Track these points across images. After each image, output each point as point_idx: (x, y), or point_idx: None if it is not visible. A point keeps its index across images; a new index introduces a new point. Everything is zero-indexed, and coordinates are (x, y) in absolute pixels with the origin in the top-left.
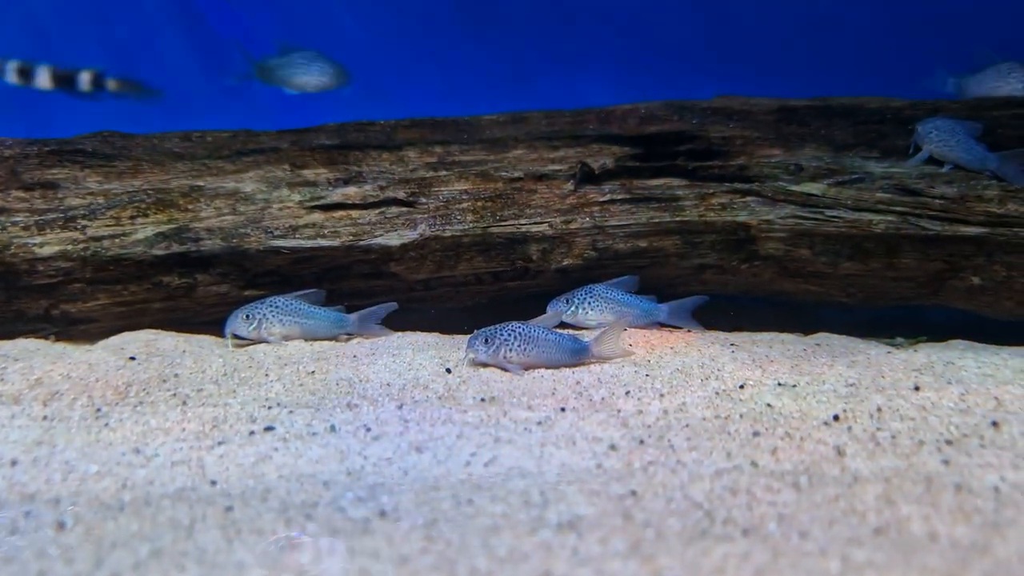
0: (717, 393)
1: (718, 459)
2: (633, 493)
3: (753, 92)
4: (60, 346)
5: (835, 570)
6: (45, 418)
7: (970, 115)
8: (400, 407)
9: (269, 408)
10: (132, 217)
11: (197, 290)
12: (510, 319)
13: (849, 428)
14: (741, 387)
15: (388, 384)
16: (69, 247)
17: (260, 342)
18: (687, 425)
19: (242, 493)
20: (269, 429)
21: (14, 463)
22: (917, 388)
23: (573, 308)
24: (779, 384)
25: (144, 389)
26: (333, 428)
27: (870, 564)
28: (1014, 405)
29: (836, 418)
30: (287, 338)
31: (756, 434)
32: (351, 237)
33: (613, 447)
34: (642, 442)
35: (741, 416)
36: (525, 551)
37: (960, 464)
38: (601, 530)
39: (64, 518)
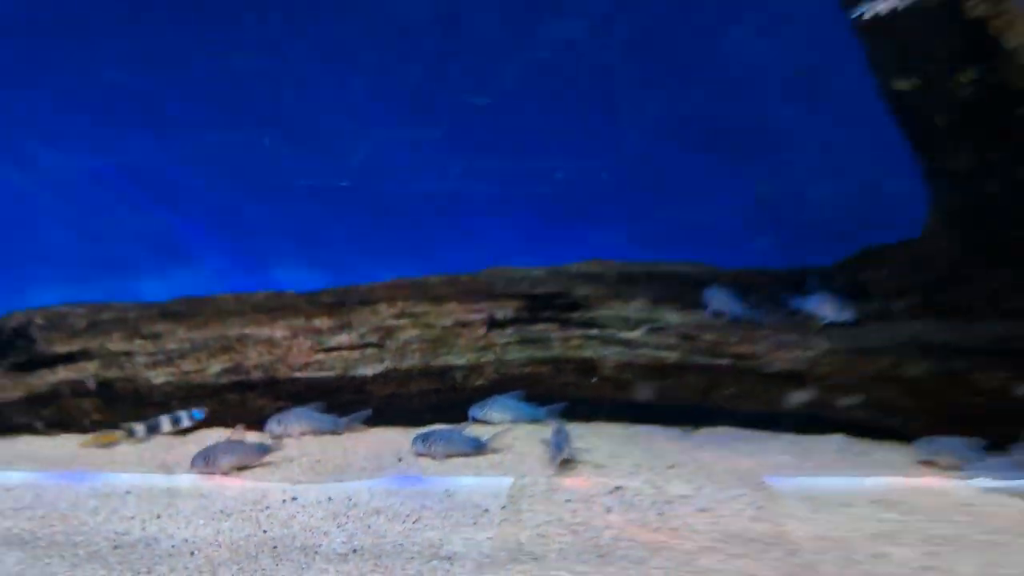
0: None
1: None
2: None
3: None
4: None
5: None
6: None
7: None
8: (370, 478)
9: (295, 484)
10: (208, 357)
11: (247, 403)
12: (444, 421)
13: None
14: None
15: (363, 467)
16: (172, 378)
17: (287, 436)
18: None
19: (281, 537)
20: (294, 499)
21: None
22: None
23: (485, 410)
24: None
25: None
26: (330, 498)
27: None
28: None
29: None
30: (303, 434)
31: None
32: (342, 370)
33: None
34: None
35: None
36: None
37: None
38: None
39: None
